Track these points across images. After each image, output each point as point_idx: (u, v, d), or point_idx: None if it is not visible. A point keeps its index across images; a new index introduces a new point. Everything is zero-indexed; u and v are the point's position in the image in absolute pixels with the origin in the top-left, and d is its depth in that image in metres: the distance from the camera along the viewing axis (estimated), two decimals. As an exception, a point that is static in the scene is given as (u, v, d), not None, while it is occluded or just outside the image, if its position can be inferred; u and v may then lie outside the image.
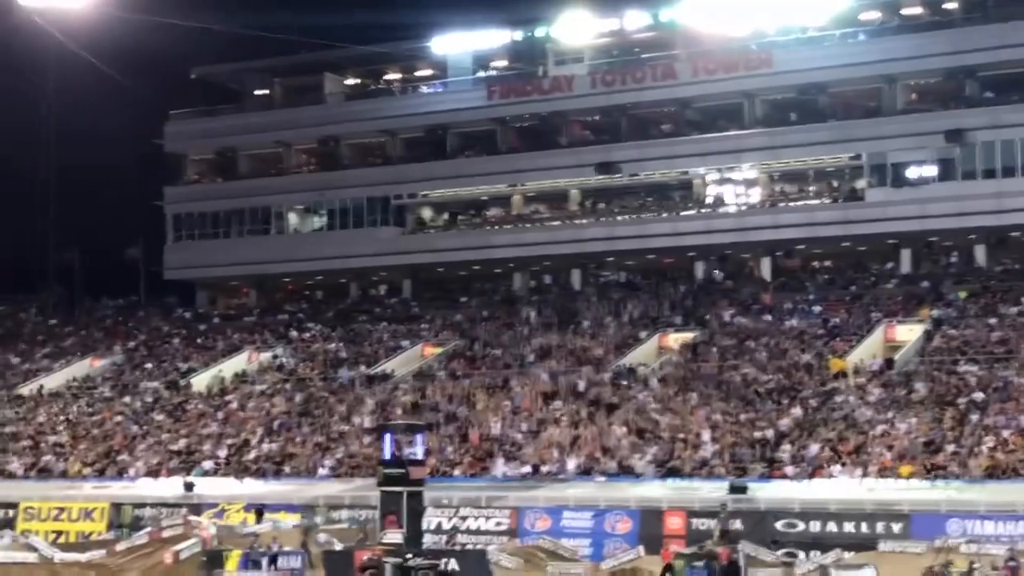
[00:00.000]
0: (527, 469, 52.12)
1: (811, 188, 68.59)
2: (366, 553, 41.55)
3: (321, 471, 54.97)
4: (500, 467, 52.68)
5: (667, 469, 49.68)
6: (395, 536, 41.28)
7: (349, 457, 55.29)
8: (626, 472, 50.47)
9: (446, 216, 75.52)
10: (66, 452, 60.30)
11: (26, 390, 68.14)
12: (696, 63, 68.16)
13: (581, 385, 57.58)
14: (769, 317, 62.58)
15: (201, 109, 79.56)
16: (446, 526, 48.39)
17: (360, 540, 44.35)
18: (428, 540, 44.06)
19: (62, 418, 63.99)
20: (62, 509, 55.02)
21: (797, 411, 51.92)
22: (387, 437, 43.33)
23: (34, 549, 49.19)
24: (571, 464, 51.57)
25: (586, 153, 70.33)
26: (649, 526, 45.85)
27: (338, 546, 44.98)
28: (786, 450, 49.31)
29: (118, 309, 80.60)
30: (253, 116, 78.74)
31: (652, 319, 65.13)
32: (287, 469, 55.61)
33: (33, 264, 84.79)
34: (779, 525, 44.11)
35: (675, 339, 62.62)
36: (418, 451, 43.37)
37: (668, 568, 40.42)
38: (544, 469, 51.88)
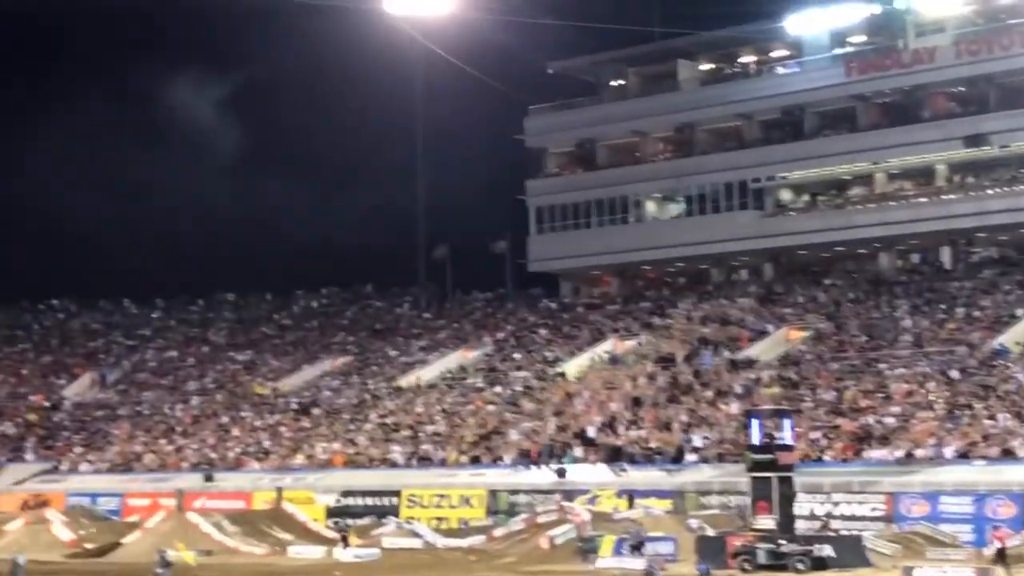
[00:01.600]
0: (901, 454, 50.80)
1: None
2: (738, 539, 41.55)
3: (689, 457, 55.13)
4: (873, 452, 51.54)
5: (1052, 452, 47.50)
6: (767, 522, 41.15)
7: (717, 443, 55.25)
8: (1008, 456, 48.49)
9: (806, 197, 74.23)
10: (443, 441, 62.57)
11: (404, 382, 71.01)
12: (1068, 25, 64.78)
13: (955, 367, 55.67)
14: None
15: (559, 103, 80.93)
16: (819, 512, 47.78)
17: (734, 526, 44.30)
18: (801, 526, 43.67)
19: (438, 408, 66.42)
20: (442, 496, 57.21)
21: None
22: (754, 422, 43.26)
23: (418, 535, 51.48)
24: (947, 449, 49.93)
25: (952, 126, 67.78)
26: (1034, 511, 44.07)
27: (710, 532, 45.09)
28: None
29: (487, 302, 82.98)
30: (609, 107, 79.56)
31: (1029, 296, 62.29)
32: (655, 455, 56.01)
33: (406, 260, 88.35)
34: None
35: (1055, 316, 59.68)
36: (787, 436, 43.05)
37: (1001, 552, 38.99)
38: (919, 453, 50.43)
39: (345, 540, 50.02)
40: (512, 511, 54.30)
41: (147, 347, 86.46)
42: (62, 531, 53.88)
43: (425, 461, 61.44)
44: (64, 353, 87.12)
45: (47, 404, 80.00)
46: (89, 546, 52.03)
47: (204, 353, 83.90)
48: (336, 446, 64.75)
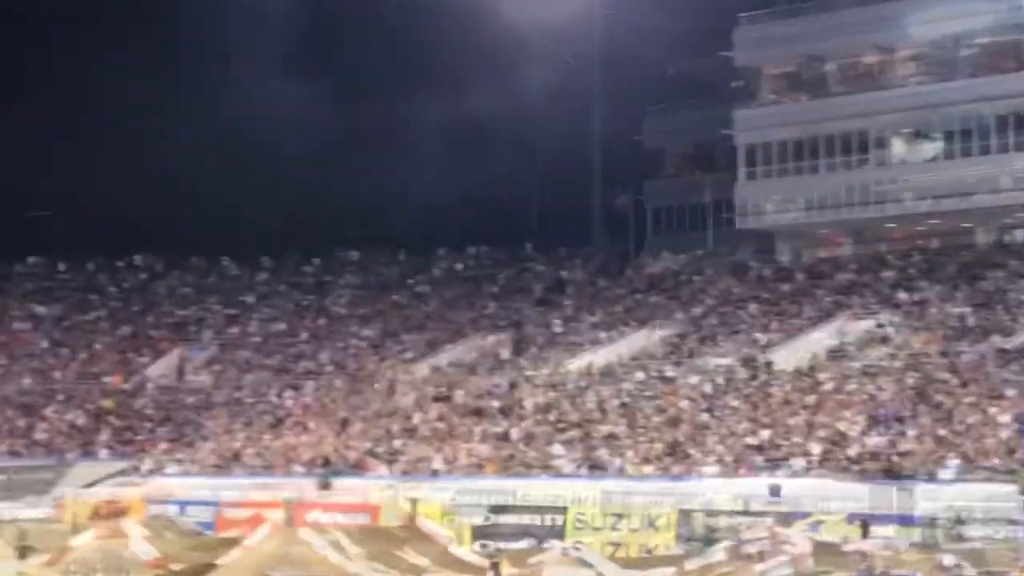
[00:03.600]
0: None
1: None
2: (1017, 582, 40.86)
3: (944, 473, 54.37)
4: None
5: None
6: (1048, 561, 40.30)
7: (982, 456, 54.39)
8: None
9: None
10: (622, 445, 62.54)
11: (572, 367, 71.17)
12: None
13: None
14: None
15: (778, 9, 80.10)
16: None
17: (1009, 563, 43.56)
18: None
19: (616, 402, 66.41)
20: (619, 516, 57.14)
21: None
22: (1032, 431, 42.42)
23: (589, 565, 51.24)
24: None
25: None
26: None
27: (970, 572, 44.27)
28: None
29: (681, 267, 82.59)
30: (842, 14, 78.35)
31: None
32: (901, 470, 55.34)
33: (577, 213, 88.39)
34: None
35: None
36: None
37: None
38: None
39: (496, 569, 50.16)
40: (710, 537, 54.05)
41: (250, 318, 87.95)
42: (142, 547, 54.75)
43: (598, 470, 61.56)
44: (147, 324, 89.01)
45: (125, 387, 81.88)
46: (175, 567, 52.95)
47: (321, 326, 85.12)
48: (485, 448, 65.15)
